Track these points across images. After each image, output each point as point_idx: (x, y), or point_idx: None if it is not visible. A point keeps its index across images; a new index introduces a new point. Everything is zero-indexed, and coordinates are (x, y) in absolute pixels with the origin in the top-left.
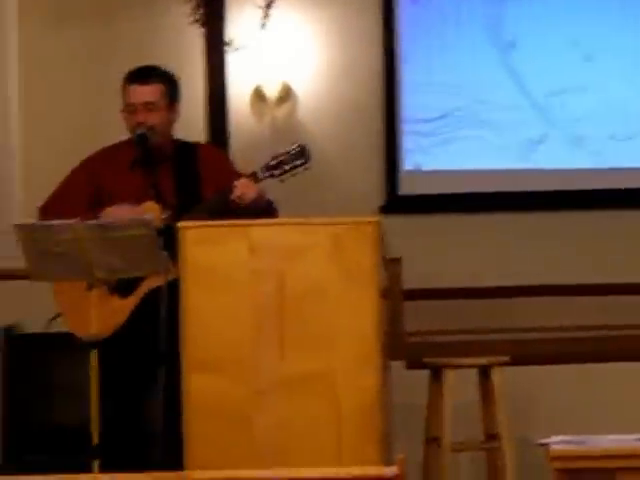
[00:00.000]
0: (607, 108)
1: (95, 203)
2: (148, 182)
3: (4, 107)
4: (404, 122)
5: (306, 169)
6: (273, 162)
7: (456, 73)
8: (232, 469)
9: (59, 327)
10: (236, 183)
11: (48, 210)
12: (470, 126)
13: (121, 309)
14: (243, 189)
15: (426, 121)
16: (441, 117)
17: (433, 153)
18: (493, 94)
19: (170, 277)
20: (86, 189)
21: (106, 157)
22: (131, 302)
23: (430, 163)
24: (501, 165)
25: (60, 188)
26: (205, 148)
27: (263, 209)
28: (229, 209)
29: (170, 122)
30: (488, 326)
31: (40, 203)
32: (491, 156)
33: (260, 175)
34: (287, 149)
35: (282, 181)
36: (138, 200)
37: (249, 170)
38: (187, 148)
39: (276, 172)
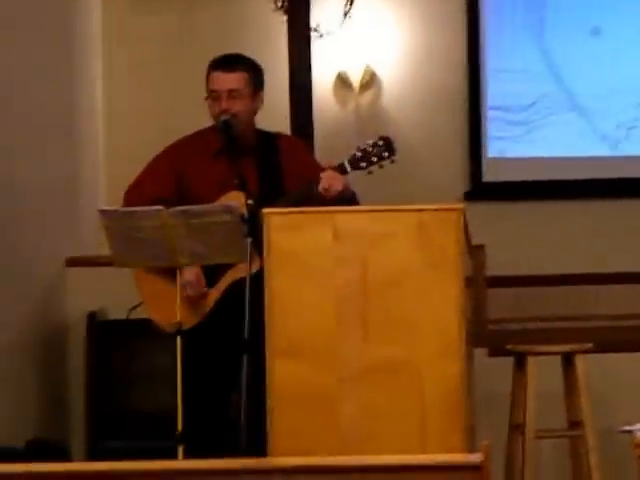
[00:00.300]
0: None
1: (177, 190)
2: (232, 170)
3: (89, 90)
4: (488, 108)
5: (392, 162)
6: (359, 154)
7: (541, 59)
8: (315, 456)
9: (141, 315)
10: (322, 175)
11: (131, 196)
12: (555, 113)
13: (205, 300)
14: (330, 181)
15: (510, 108)
16: (526, 104)
17: (517, 140)
18: (579, 80)
19: (254, 268)
20: (169, 176)
21: (189, 144)
22: (216, 292)
23: (514, 150)
24: (587, 152)
25: (143, 174)
26: (286, 139)
27: (348, 201)
28: (314, 201)
29: (253, 111)
30: (572, 313)
31: (124, 189)
32: (576, 143)
33: (347, 167)
34: (373, 141)
35: (370, 173)
36: (221, 188)
37: (333, 158)
38: (268, 138)
39: (363, 164)
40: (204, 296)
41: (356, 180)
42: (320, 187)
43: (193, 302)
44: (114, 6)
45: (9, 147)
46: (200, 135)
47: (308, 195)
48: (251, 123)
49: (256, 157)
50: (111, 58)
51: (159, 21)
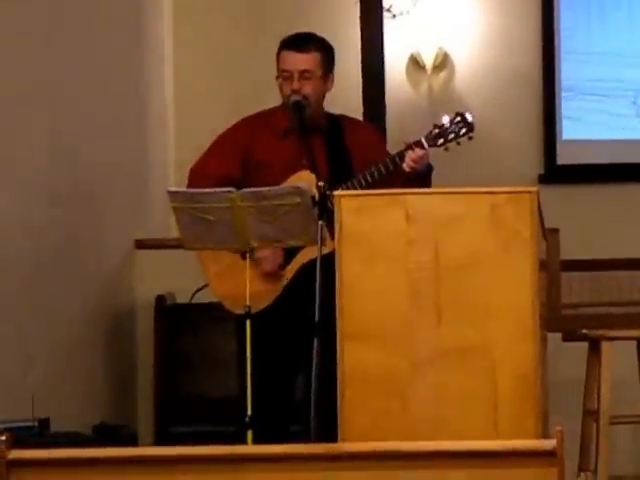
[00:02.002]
0: None
1: (243, 169)
2: (301, 151)
3: (159, 72)
4: (563, 90)
5: (470, 138)
6: (436, 131)
7: (616, 40)
8: (386, 441)
9: (208, 298)
10: (408, 153)
11: (196, 174)
12: (631, 95)
13: (276, 282)
14: (417, 160)
15: (585, 90)
16: (601, 86)
17: (592, 122)
18: None
19: (325, 250)
20: (234, 154)
21: (256, 123)
22: (286, 274)
23: (589, 132)
24: None
25: (208, 152)
26: (352, 121)
27: (424, 177)
28: (387, 179)
29: (324, 92)
30: None
31: (190, 167)
32: None
33: (424, 144)
34: (450, 117)
35: (446, 149)
36: (289, 168)
37: (408, 139)
38: (335, 120)
39: (440, 141)
40: (278, 274)
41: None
42: (406, 166)
43: (266, 281)
44: None
45: (78, 129)
46: (268, 114)
47: (389, 170)
48: (321, 105)
49: (325, 138)
50: (181, 39)
51: (229, 1)
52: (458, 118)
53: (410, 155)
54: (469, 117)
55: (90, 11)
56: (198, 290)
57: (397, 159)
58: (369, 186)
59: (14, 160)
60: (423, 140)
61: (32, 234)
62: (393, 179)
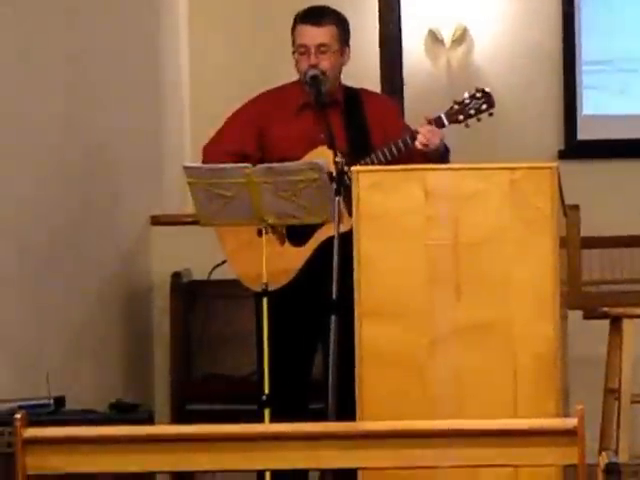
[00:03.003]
0: None
1: (258, 145)
2: (318, 127)
3: (174, 46)
4: (583, 65)
5: (490, 114)
6: (457, 107)
7: (637, 13)
8: (405, 419)
9: (225, 274)
10: (420, 129)
11: (210, 150)
12: None
13: (294, 258)
14: (428, 135)
15: (606, 64)
16: (622, 60)
17: (613, 97)
18: None
19: (343, 228)
20: (250, 130)
21: (271, 99)
22: (305, 251)
23: (610, 107)
24: None
25: (223, 128)
26: (371, 95)
27: (441, 156)
28: (406, 156)
29: (340, 66)
30: None
31: (205, 142)
32: None
33: (444, 121)
34: (470, 93)
35: (467, 126)
36: (306, 144)
37: (423, 114)
38: (354, 94)
39: (461, 117)
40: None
41: (447, 137)
42: (417, 142)
43: (286, 256)
44: None
45: (93, 104)
46: (283, 89)
47: (402, 150)
48: (338, 79)
49: (342, 113)
50: (197, 12)
51: None
52: (479, 94)
53: (420, 130)
54: (490, 93)
55: None
56: (216, 266)
57: (410, 137)
58: (387, 163)
59: (29, 135)
60: (443, 116)
61: (47, 212)
62: (412, 159)
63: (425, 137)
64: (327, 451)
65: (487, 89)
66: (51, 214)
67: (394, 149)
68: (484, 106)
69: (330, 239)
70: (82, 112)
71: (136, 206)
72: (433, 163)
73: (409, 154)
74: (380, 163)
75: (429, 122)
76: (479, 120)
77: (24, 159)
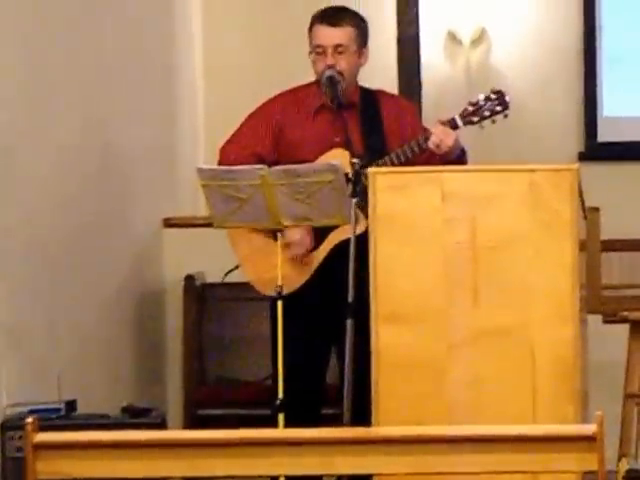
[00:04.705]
0: None
1: (275, 146)
2: (335, 128)
3: (188, 48)
4: (604, 65)
5: (505, 116)
6: (471, 108)
7: None
8: (421, 425)
9: (238, 278)
10: (433, 130)
11: (227, 152)
12: None
13: (308, 261)
14: (441, 136)
15: (627, 65)
16: None
17: (634, 98)
18: None
19: (359, 230)
20: (266, 131)
21: (287, 101)
22: (319, 254)
23: (631, 109)
24: None
25: (240, 130)
26: (388, 96)
27: (457, 158)
28: (423, 158)
29: (358, 67)
30: None
31: (220, 145)
32: None
33: (459, 122)
34: (485, 94)
35: (482, 127)
36: (322, 145)
37: (441, 115)
38: (370, 95)
39: (475, 119)
40: (308, 257)
41: (466, 138)
42: (431, 143)
43: (297, 263)
44: None
45: (107, 105)
46: (300, 91)
47: (418, 151)
48: (355, 80)
49: (359, 114)
50: (211, 14)
51: None
52: (493, 95)
53: (433, 131)
54: (505, 94)
55: None
56: (230, 271)
57: (423, 139)
58: (403, 165)
59: (44, 139)
60: (457, 118)
61: (60, 214)
62: (429, 160)
63: (438, 138)
64: (342, 457)
65: (502, 90)
66: (64, 217)
67: (408, 151)
68: (498, 107)
69: (344, 242)
70: (97, 115)
71: (149, 209)
72: (450, 164)
73: (426, 156)
74: (395, 165)
75: (442, 123)
76: (494, 122)
77: (39, 163)
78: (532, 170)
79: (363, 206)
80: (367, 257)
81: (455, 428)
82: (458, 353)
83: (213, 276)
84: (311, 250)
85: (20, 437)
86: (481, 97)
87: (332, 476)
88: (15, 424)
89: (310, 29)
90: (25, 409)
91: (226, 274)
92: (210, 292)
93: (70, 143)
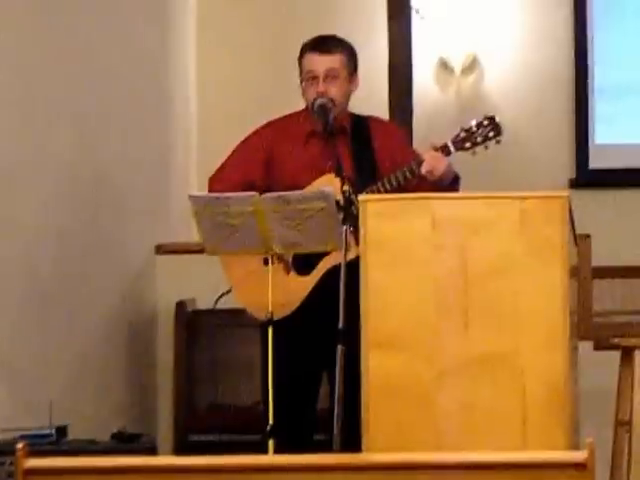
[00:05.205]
0: None
1: (266, 174)
2: (326, 154)
3: (183, 75)
4: (595, 93)
5: (498, 142)
6: (463, 134)
7: None
8: (412, 452)
9: (230, 304)
10: (425, 156)
11: (216, 181)
12: None
13: (300, 287)
14: (433, 163)
15: (618, 92)
16: (635, 88)
17: (625, 126)
18: None
19: (350, 256)
20: (257, 159)
21: (278, 128)
22: (310, 280)
23: (622, 136)
24: None
25: (230, 158)
26: (379, 122)
27: (450, 184)
28: (414, 184)
29: (349, 94)
30: None
31: (212, 171)
32: None
33: (451, 148)
34: (478, 120)
35: (474, 154)
36: (313, 172)
37: (434, 142)
38: (361, 121)
39: (467, 145)
40: (300, 279)
41: (456, 165)
42: (423, 169)
43: (291, 285)
44: None
45: (101, 132)
46: (290, 118)
47: (409, 177)
48: (346, 106)
49: (350, 141)
50: (205, 40)
51: (253, 2)
52: (486, 121)
53: (425, 157)
54: (497, 120)
55: (116, 10)
56: (222, 295)
57: (416, 165)
58: (394, 191)
59: (37, 164)
60: (450, 144)
61: (53, 239)
62: (420, 187)
63: (429, 164)
64: None
65: (495, 116)
66: (57, 242)
67: (400, 177)
68: (491, 134)
69: (335, 268)
70: (90, 141)
71: (142, 235)
72: (442, 191)
73: (417, 182)
74: (387, 191)
75: (435, 149)
76: (487, 148)
77: (32, 187)
78: (523, 197)
79: (354, 232)
80: (358, 283)
81: (445, 455)
82: (448, 379)
83: (205, 302)
84: (302, 275)
85: (11, 463)
86: (474, 123)
87: None
88: (6, 449)
89: (301, 58)
90: (16, 435)
91: (218, 298)
92: (201, 318)
93: (63, 170)
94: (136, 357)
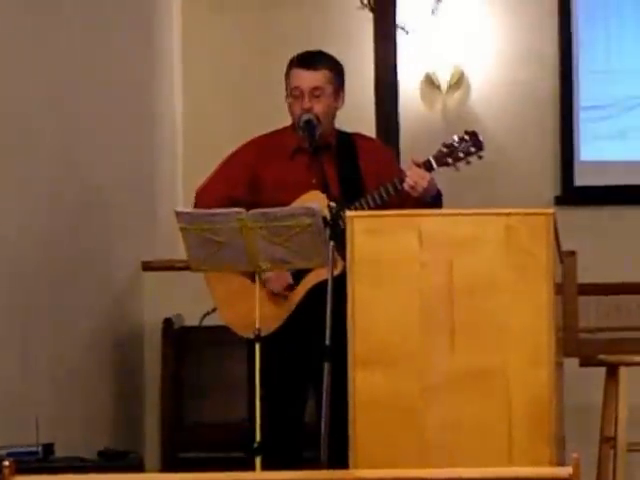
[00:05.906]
0: None
1: (251, 190)
2: (311, 171)
3: (168, 93)
4: (581, 110)
5: (480, 157)
6: (445, 150)
7: (635, 58)
8: (399, 468)
9: (217, 320)
10: (408, 172)
11: (202, 196)
12: None
13: (284, 304)
14: (415, 178)
15: (604, 110)
16: (620, 106)
17: (610, 143)
18: None
19: (336, 272)
20: (242, 175)
21: (264, 144)
22: (294, 297)
23: (607, 153)
24: None
25: (215, 174)
26: (364, 139)
27: (433, 200)
28: (398, 200)
29: (334, 110)
30: None
31: (196, 189)
32: None
33: (433, 164)
34: (459, 136)
35: (457, 169)
36: (298, 188)
37: (419, 158)
38: (347, 138)
39: (449, 160)
40: (289, 293)
41: (441, 182)
42: (405, 185)
43: (274, 304)
44: (194, 6)
45: (87, 149)
46: (276, 134)
47: (393, 193)
48: (332, 123)
49: (335, 157)
50: (190, 61)
51: (239, 20)
52: (467, 136)
53: (407, 173)
54: (478, 135)
55: (102, 25)
56: (207, 314)
57: (398, 181)
58: (378, 207)
59: (21, 181)
60: (431, 159)
61: (40, 257)
62: (404, 202)
63: (412, 180)
64: None
65: (476, 131)
66: (43, 260)
67: (384, 193)
68: (472, 149)
69: (320, 284)
70: (75, 157)
71: (128, 252)
72: (425, 207)
73: (401, 198)
74: (370, 207)
75: (417, 165)
76: (468, 163)
77: (16, 204)
78: (508, 214)
79: (340, 249)
80: (344, 299)
81: (431, 470)
82: (434, 395)
83: (192, 319)
84: (291, 286)
85: None
86: (455, 138)
87: None
88: None
89: (287, 73)
90: (3, 452)
91: (203, 317)
92: (188, 335)
93: (49, 187)
94: (123, 374)
